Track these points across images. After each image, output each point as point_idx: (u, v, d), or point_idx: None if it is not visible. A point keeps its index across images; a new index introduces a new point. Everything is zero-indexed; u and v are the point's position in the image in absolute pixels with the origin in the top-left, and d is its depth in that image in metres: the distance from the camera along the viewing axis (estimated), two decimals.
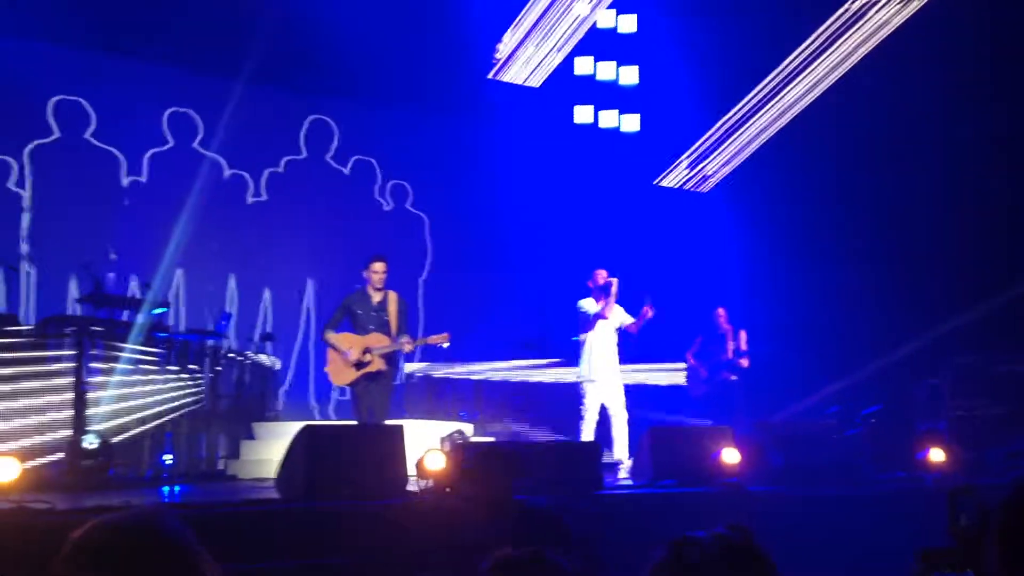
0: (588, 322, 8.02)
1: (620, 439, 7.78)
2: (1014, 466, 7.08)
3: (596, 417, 7.87)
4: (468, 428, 8.20)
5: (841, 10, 10.85)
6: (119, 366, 6.68)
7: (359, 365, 6.87)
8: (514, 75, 11.21)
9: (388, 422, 6.59)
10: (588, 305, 8.05)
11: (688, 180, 12.26)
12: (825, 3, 10.92)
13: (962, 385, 8.63)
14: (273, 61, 8.92)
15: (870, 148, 10.80)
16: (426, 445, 6.06)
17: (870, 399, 8.61)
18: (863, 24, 10.78)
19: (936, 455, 6.94)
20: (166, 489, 6.22)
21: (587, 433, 7.75)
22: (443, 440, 6.91)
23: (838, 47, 10.94)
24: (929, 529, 3.17)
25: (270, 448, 6.82)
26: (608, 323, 8.03)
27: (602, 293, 7.97)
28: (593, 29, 11.46)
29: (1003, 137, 9.88)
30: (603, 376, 7.93)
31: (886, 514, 6.03)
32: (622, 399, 7.96)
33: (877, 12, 10.55)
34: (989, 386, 8.74)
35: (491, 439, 7.93)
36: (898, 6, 10.52)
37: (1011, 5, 9.47)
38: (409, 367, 9.74)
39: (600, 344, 8.00)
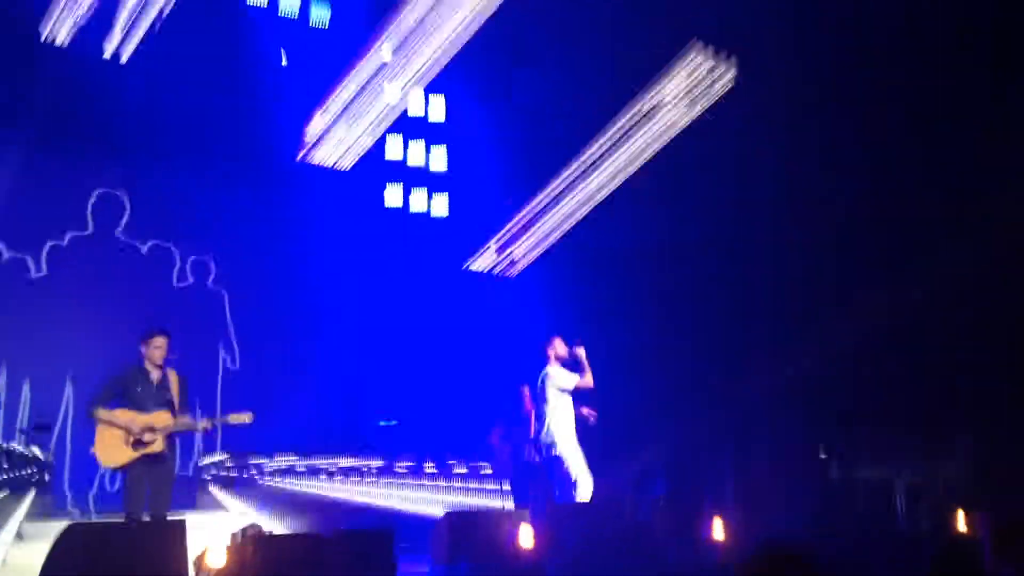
0: (563, 393, 8.18)
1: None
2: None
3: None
4: (269, 518, 7.89)
5: (636, 108, 11.62)
6: None
7: (138, 444, 6.33)
8: (324, 157, 11.22)
9: (169, 516, 6.19)
10: (564, 377, 8.19)
11: (496, 264, 12.56)
12: (620, 99, 11.66)
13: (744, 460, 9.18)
14: (58, 132, 8.56)
15: (663, 233, 11.50)
16: (219, 539, 5.75)
17: (664, 474, 8.98)
18: (655, 122, 11.59)
19: (719, 529, 7.29)
20: None
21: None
22: (235, 535, 6.58)
23: (633, 141, 11.68)
24: None
25: (42, 550, 6.26)
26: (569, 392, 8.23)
27: (576, 364, 8.17)
28: (404, 115, 11.71)
29: (793, 223, 10.74)
30: (573, 444, 8.12)
31: None
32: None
33: (666, 113, 11.41)
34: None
35: (286, 532, 7.64)
36: (685, 109, 11.40)
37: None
38: (206, 459, 9.30)
39: (569, 414, 8.19)
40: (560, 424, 8.24)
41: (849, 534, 7.80)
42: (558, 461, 8.27)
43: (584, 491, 8.12)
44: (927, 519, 8.29)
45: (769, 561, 2.65)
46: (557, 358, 8.34)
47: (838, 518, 8.50)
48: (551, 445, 8.30)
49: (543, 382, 8.37)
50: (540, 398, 8.33)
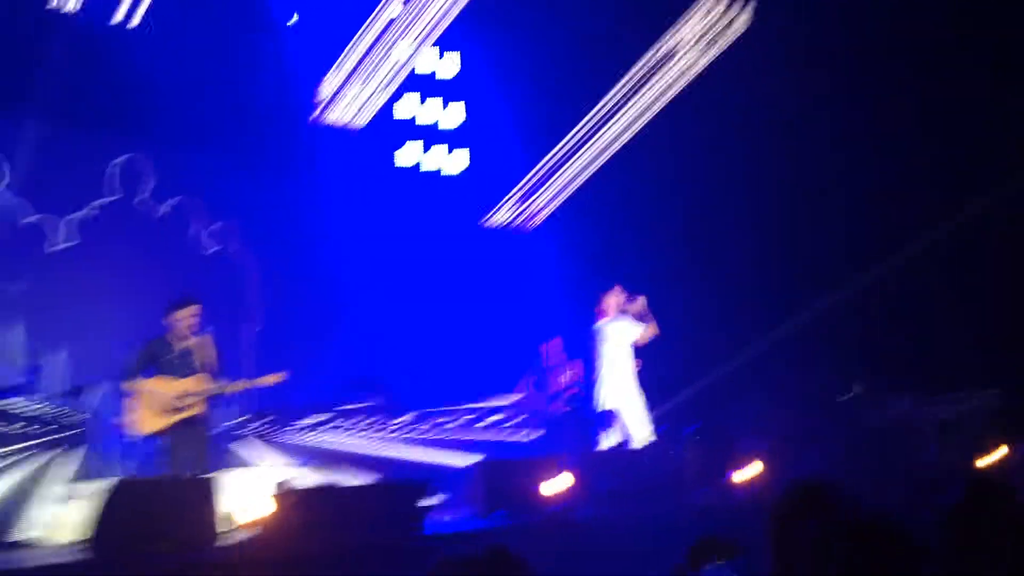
0: (624, 346, 8.16)
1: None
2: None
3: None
4: (304, 473, 7.97)
5: (649, 54, 11.49)
6: None
7: (176, 410, 6.42)
8: (337, 116, 11.17)
9: (208, 473, 6.26)
10: (634, 330, 8.13)
11: (516, 218, 12.52)
12: (636, 46, 11.53)
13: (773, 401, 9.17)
14: (73, 103, 8.55)
15: (683, 180, 11.41)
16: (258, 494, 5.81)
17: (693, 418, 8.99)
18: (671, 67, 11.46)
19: (750, 471, 7.30)
20: None
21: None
22: (278, 486, 6.66)
23: (650, 88, 11.56)
24: (742, 540, 3.34)
25: (83, 510, 6.38)
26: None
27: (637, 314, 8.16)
28: (415, 72, 11.62)
29: (812, 165, 10.63)
30: (634, 396, 8.14)
31: (704, 530, 6.29)
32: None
33: (682, 58, 11.29)
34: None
35: (321, 485, 7.71)
36: (699, 53, 11.27)
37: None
38: (239, 418, 9.37)
39: (630, 366, 8.18)
40: (619, 378, 8.20)
41: (880, 471, 7.82)
42: (610, 415, 8.27)
43: (639, 443, 8.11)
44: (959, 455, 8.26)
45: (802, 499, 2.63)
46: (620, 311, 8.24)
47: (868, 455, 8.48)
48: (604, 400, 8.27)
49: (599, 337, 8.28)
50: (593, 354, 8.25)
